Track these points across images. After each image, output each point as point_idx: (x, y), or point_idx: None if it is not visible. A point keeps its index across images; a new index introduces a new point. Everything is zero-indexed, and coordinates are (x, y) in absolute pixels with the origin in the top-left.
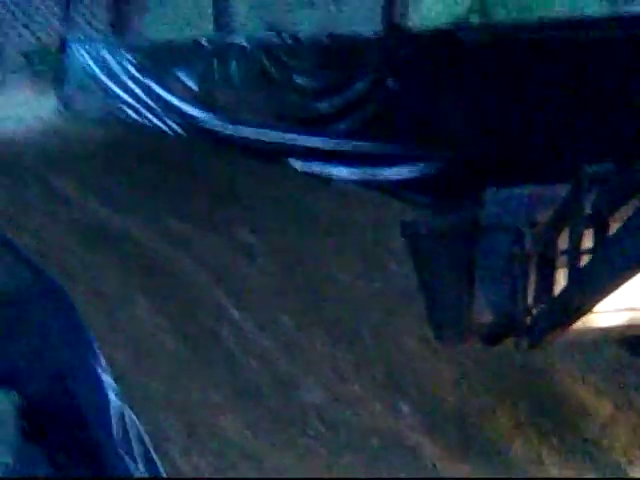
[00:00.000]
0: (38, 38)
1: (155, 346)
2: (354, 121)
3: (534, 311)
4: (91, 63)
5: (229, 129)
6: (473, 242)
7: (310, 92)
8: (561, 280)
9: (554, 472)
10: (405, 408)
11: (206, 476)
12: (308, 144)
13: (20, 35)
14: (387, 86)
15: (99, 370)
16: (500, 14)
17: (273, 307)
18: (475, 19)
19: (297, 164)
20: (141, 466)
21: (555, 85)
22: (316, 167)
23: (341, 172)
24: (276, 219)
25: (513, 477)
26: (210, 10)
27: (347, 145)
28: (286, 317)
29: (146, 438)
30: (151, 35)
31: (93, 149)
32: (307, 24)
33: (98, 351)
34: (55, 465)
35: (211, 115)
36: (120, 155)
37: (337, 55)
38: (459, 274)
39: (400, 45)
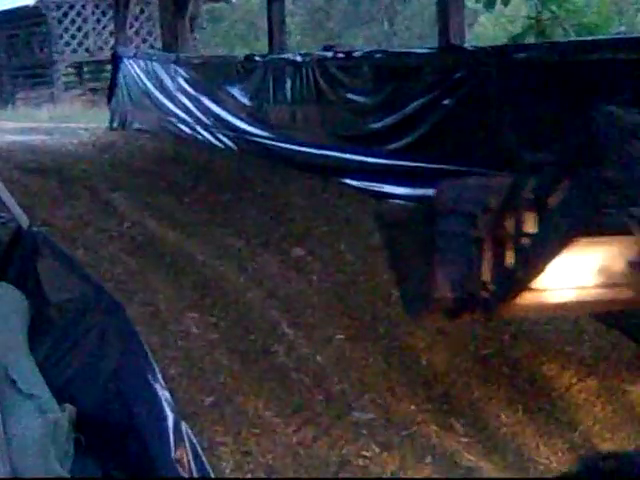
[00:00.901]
0: (91, 54)
1: (208, 362)
2: (408, 139)
3: (489, 286)
4: (144, 78)
5: (282, 145)
6: (433, 227)
7: (364, 110)
8: (511, 258)
9: None
10: (460, 428)
11: None
12: (362, 161)
13: (74, 51)
14: (442, 104)
15: (155, 385)
16: (557, 34)
17: (327, 324)
18: (531, 39)
19: (351, 181)
20: None
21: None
22: (370, 185)
23: (395, 190)
24: (330, 236)
25: None
26: (264, 28)
27: (401, 163)
28: (340, 335)
29: (201, 453)
30: (204, 51)
31: (145, 163)
32: (362, 41)
33: (154, 366)
34: (110, 478)
35: (264, 131)
36: (172, 170)
37: (392, 73)
38: (422, 256)
39: (455, 63)
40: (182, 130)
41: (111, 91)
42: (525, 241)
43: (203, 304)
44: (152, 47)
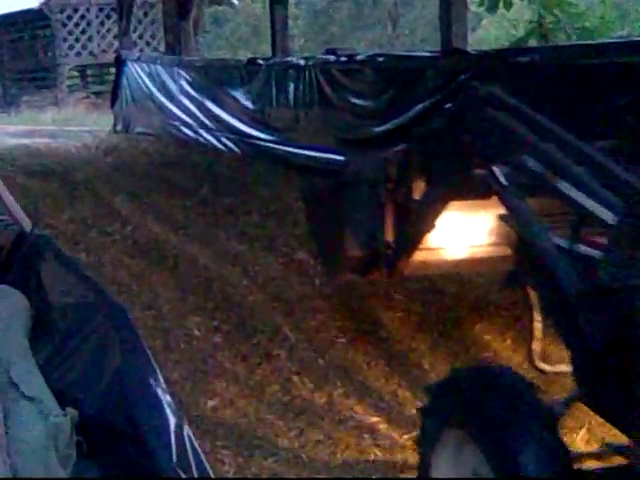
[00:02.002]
0: (95, 57)
1: (210, 365)
2: (411, 143)
3: (391, 246)
4: (147, 81)
5: (285, 148)
6: (342, 195)
7: (367, 113)
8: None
9: None
10: None
11: None
12: None
13: (78, 54)
14: (445, 108)
15: (157, 388)
16: (560, 38)
17: (329, 328)
18: (534, 43)
19: None
20: None
21: (614, 108)
22: None
23: None
24: None
25: None
26: (267, 32)
27: None
28: (342, 338)
29: (203, 457)
30: (207, 54)
31: (149, 167)
32: (364, 45)
33: (156, 369)
34: (109, 478)
35: (266, 134)
36: (176, 173)
37: (394, 77)
38: (334, 221)
39: (458, 67)
40: (185, 133)
41: (114, 94)
42: (415, 205)
43: (206, 307)
44: (155, 50)
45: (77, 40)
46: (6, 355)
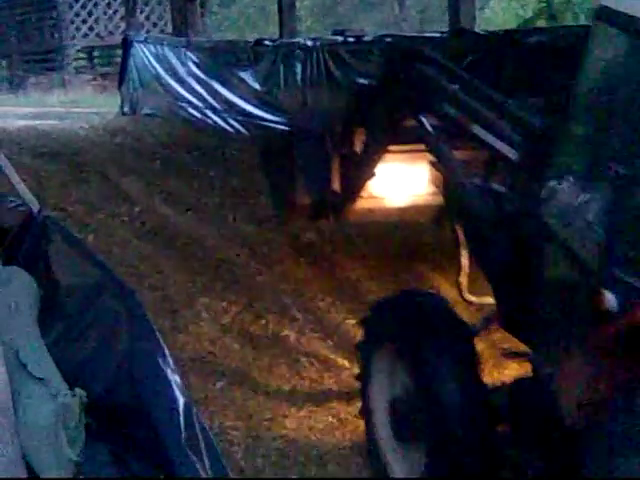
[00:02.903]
0: (102, 38)
1: (219, 346)
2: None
3: (337, 194)
4: (154, 62)
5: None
6: (292, 149)
7: None
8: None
9: None
10: None
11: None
12: None
13: (85, 36)
14: None
15: (166, 369)
16: (568, 19)
17: (337, 309)
18: (542, 24)
19: None
20: (207, 465)
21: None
22: None
23: None
24: None
25: None
26: (275, 13)
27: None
28: (350, 319)
29: (212, 437)
30: (215, 36)
31: (156, 148)
32: (372, 26)
33: (165, 350)
34: (121, 463)
35: (274, 115)
36: (183, 154)
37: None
38: (287, 173)
39: (466, 48)
40: (193, 115)
41: (122, 76)
42: (356, 155)
43: (214, 288)
44: (163, 32)
45: (84, 22)
46: (14, 336)
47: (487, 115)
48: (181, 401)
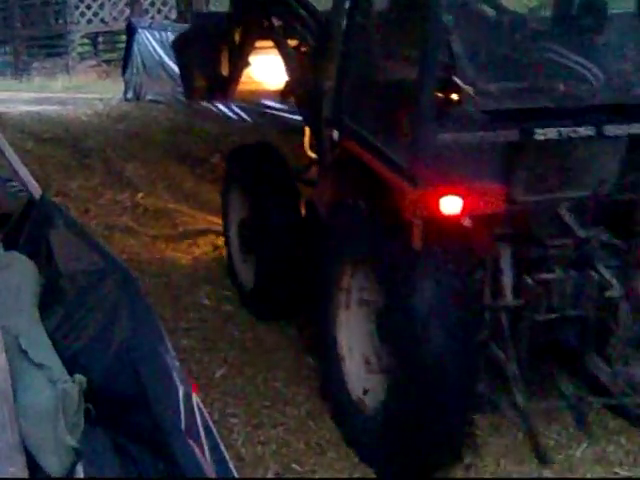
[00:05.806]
0: (106, 24)
1: (220, 334)
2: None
3: (226, 79)
4: (158, 48)
5: (295, 117)
6: (190, 45)
7: None
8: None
9: None
10: None
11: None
12: None
13: (89, 21)
14: None
15: (166, 356)
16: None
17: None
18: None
19: None
20: (207, 452)
21: None
22: None
23: None
24: None
25: None
26: None
27: None
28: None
29: (212, 425)
30: None
31: (159, 134)
32: None
33: (165, 337)
34: (120, 449)
35: (277, 102)
36: (186, 141)
37: None
38: (190, 62)
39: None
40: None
41: (126, 62)
42: (236, 48)
43: (216, 276)
44: (167, 18)
45: (88, 7)
46: (15, 322)
47: (303, 15)
48: (181, 389)
